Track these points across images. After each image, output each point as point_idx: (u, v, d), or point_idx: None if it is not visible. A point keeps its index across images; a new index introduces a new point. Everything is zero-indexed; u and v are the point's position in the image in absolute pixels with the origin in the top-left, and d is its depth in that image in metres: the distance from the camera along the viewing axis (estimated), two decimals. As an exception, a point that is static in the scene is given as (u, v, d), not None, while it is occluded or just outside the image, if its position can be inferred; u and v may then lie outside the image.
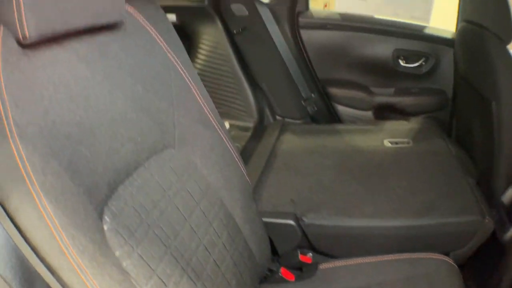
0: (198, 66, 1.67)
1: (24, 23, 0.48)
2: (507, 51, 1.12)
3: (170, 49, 0.76)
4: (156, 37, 0.74)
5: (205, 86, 1.50)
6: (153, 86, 0.70)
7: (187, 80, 0.78)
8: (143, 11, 0.74)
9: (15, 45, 0.50)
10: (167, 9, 1.47)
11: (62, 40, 0.57)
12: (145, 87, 0.68)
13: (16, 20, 0.48)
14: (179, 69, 0.76)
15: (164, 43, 0.75)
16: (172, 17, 1.52)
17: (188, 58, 0.81)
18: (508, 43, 1.13)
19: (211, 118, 0.80)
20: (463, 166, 1.17)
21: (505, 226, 0.96)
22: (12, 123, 0.46)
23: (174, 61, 0.76)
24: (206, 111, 0.80)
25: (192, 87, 0.78)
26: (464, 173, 1.12)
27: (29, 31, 0.49)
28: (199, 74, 1.54)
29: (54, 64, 0.54)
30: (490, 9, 1.16)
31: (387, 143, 1.28)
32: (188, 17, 1.55)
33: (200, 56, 1.66)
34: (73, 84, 0.56)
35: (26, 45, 0.51)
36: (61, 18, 0.53)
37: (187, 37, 1.64)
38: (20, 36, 0.49)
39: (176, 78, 0.75)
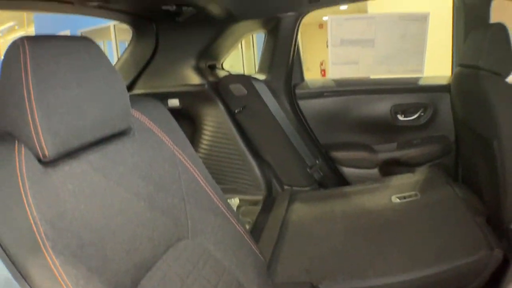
0: (204, 146, 1.73)
1: (43, 143, 0.54)
2: (505, 85, 1.16)
3: (176, 146, 0.82)
4: (163, 137, 0.80)
5: (212, 164, 1.55)
6: (164, 184, 0.75)
7: (194, 174, 0.83)
8: (148, 114, 0.80)
9: (37, 163, 0.55)
10: (171, 95, 1.56)
11: (77, 154, 0.62)
12: (157, 186, 0.73)
13: (35, 141, 0.54)
14: (186, 164, 0.82)
15: (170, 141, 0.81)
16: (175, 102, 1.60)
17: (194, 152, 0.86)
18: (506, 76, 1.18)
19: (220, 205, 0.85)
20: (470, 206, 1.20)
21: None
22: (44, 237, 0.51)
23: (181, 157, 0.82)
24: (214, 199, 0.85)
25: (199, 179, 0.83)
26: (472, 214, 1.14)
27: (48, 150, 0.55)
28: (205, 153, 1.60)
29: (73, 178, 0.59)
30: (484, 49, 1.21)
31: (395, 199, 1.30)
32: (191, 101, 1.63)
33: (205, 136, 1.72)
34: (92, 194, 0.61)
35: (46, 163, 0.56)
36: (75, 134, 0.59)
37: (191, 119, 1.72)
38: (41, 155, 0.55)
39: (184, 173, 0.81)
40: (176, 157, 0.80)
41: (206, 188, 0.84)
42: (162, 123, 0.82)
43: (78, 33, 5.99)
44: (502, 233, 1.06)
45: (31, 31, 6.64)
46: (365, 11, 3.49)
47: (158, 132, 0.79)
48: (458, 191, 1.29)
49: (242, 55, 4.96)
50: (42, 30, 6.46)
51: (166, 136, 0.80)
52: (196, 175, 0.82)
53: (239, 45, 1.85)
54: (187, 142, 0.86)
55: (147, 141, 0.77)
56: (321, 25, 6.84)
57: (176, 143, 0.82)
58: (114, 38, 5.85)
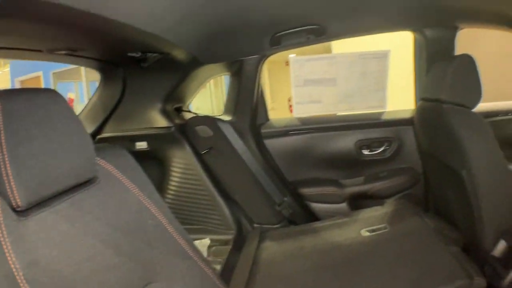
0: (172, 187, 1.73)
1: (16, 194, 0.58)
2: (470, 116, 1.19)
3: (141, 193, 0.83)
4: (128, 184, 0.81)
5: (181, 205, 1.55)
6: (131, 231, 0.77)
7: (160, 219, 0.84)
8: (114, 162, 0.82)
9: (12, 213, 0.59)
10: (138, 138, 1.57)
11: (48, 203, 0.65)
12: (123, 233, 0.75)
13: (9, 192, 0.58)
14: (152, 210, 0.83)
15: (136, 188, 0.82)
16: (143, 144, 1.60)
17: (159, 197, 0.87)
18: (472, 107, 1.21)
19: (187, 249, 0.86)
20: (443, 236, 1.20)
21: (501, 275, 1.00)
22: (24, 280, 0.55)
23: (146, 204, 0.83)
24: (181, 243, 0.85)
25: (165, 223, 0.85)
26: (445, 243, 1.14)
27: (21, 201, 0.58)
28: (174, 194, 1.60)
29: (44, 226, 0.62)
30: (446, 81, 1.24)
31: (364, 232, 1.30)
32: (158, 143, 1.64)
33: (173, 178, 1.73)
34: (62, 242, 0.63)
35: (20, 212, 0.60)
36: (45, 185, 0.62)
37: (159, 161, 1.73)
38: (14, 205, 0.58)
39: (150, 219, 0.82)
40: (141, 204, 0.82)
41: (173, 233, 0.85)
42: (127, 170, 0.83)
43: (51, 73, 6.09)
44: (484, 261, 1.07)
45: (7, 70, 6.87)
46: (330, 49, 3.61)
47: (123, 179, 0.80)
48: (429, 222, 1.30)
49: (211, 95, 5.04)
50: (17, 69, 6.69)
51: (132, 183, 0.82)
52: (162, 220, 0.84)
53: (208, 85, 1.88)
54: (152, 188, 0.87)
55: (112, 189, 0.78)
56: (287, 62, 7.01)
57: (141, 189, 0.83)
58: (84, 79, 5.91)
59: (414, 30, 1.57)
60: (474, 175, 1.12)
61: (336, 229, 1.40)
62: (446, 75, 1.24)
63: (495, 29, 1.37)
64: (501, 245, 1.05)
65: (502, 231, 1.08)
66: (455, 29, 1.54)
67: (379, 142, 1.66)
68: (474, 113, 1.19)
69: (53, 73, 6.11)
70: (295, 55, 1.74)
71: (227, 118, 1.68)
